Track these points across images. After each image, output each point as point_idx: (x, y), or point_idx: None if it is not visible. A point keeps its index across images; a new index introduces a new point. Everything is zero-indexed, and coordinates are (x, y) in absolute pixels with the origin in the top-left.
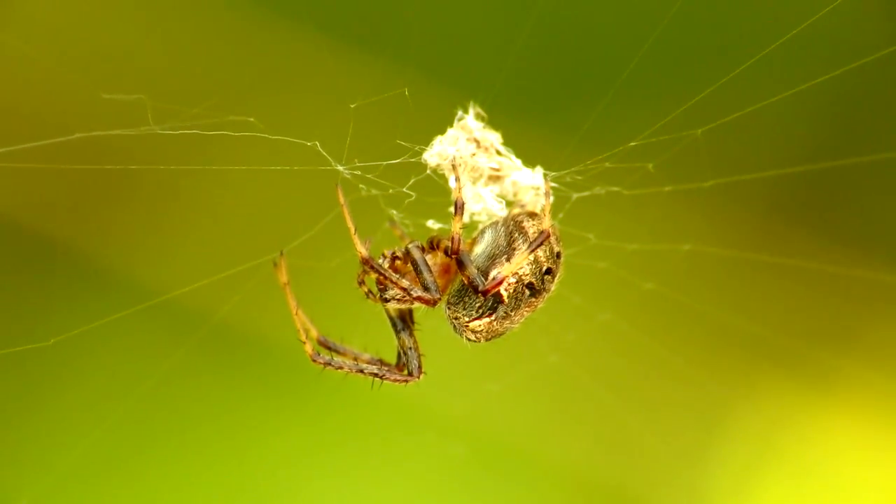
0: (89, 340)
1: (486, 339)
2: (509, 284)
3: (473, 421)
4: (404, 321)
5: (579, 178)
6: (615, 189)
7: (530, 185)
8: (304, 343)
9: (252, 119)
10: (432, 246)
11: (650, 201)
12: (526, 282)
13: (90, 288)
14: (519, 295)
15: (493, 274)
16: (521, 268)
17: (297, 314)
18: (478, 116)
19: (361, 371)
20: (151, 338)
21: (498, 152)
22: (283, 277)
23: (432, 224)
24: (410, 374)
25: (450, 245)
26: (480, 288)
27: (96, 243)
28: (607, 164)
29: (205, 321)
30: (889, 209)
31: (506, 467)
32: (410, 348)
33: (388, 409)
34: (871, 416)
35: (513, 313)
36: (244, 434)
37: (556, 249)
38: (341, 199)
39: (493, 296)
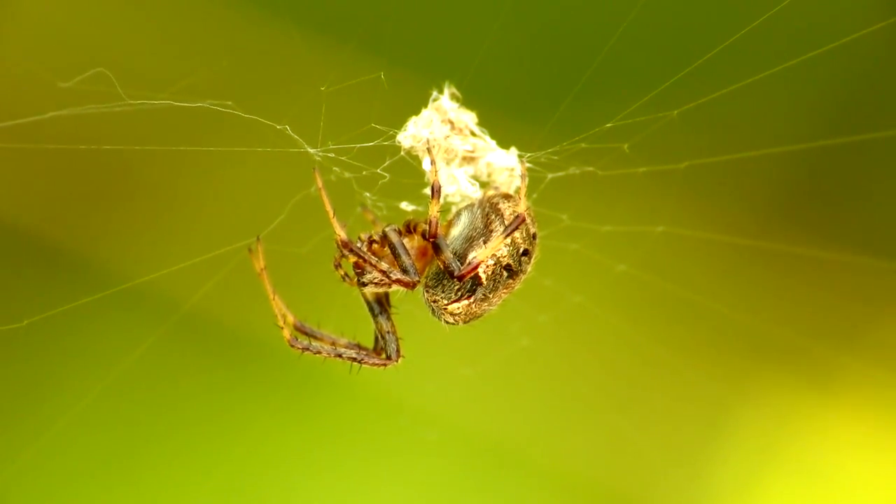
0: (60, 325)
1: (465, 322)
2: (487, 266)
3: (447, 405)
4: (381, 305)
5: (555, 157)
6: (589, 169)
7: (505, 166)
8: (282, 328)
9: (230, 103)
10: (409, 229)
11: (624, 183)
12: (504, 263)
13: (62, 274)
14: (497, 277)
15: (469, 258)
16: (498, 250)
17: (273, 300)
18: (452, 97)
19: (340, 355)
20: (123, 324)
21: (472, 133)
22: (260, 263)
23: (406, 206)
24: (389, 357)
25: (427, 228)
26: (456, 273)
27: (68, 230)
28: (583, 145)
29: (177, 307)
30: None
31: (481, 453)
32: (388, 332)
33: (360, 394)
34: (874, 414)
35: (491, 295)
36: (216, 419)
37: (532, 230)
38: (319, 183)
39: (471, 278)
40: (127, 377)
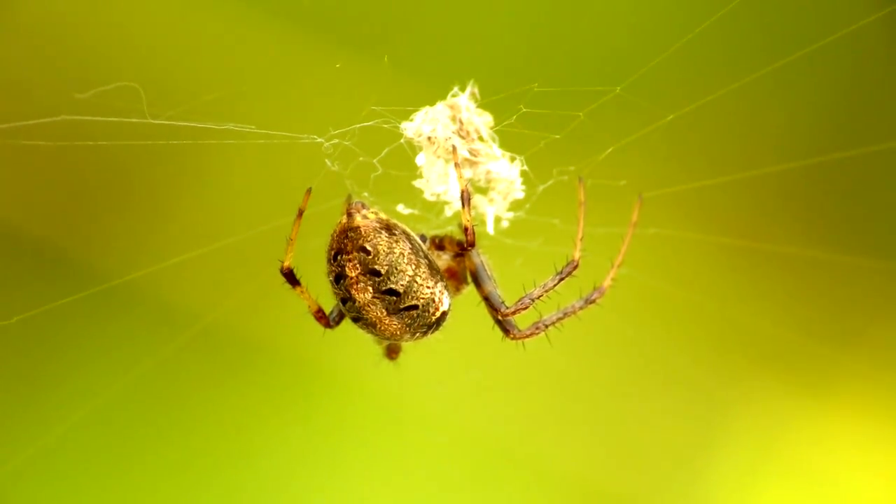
0: (57, 323)
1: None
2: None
3: (447, 407)
4: None
5: (571, 169)
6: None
7: (505, 177)
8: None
9: (253, 126)
10: (439, 245)
11: (614, 188)
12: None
13: (55, 270)
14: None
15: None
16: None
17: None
18: (472, 97)
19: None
20: (122, 323)
21: (480, 138)
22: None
23: (402, 209)
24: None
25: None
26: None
27: (65, 229)
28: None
29: (176, 307)
30: (889, 199)
31: (482, 453)
32: None
33: (361, 396)
34: (871, 414)
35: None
36: (222, 426)
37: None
38: (303, 204)
39: None
40: (125, 377)
